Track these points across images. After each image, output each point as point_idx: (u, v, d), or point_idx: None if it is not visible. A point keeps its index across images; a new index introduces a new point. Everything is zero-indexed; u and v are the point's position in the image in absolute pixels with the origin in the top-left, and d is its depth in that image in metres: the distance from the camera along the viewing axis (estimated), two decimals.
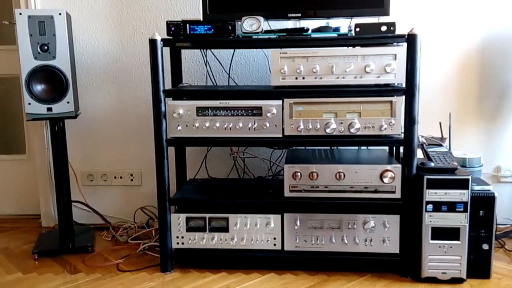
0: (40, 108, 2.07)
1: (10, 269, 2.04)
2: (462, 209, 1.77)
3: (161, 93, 1.86)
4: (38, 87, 2.07)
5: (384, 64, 1.78)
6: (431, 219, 1.79)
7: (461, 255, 1.80)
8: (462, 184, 1.76)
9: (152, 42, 1.83)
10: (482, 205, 1.80)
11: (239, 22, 1.87)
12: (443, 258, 1.81)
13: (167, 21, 1.89)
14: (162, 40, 1.85)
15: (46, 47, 2.04)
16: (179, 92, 1.99)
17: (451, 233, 1.79)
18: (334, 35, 1.86)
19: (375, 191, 1.85)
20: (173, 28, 1.88)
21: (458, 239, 1.79)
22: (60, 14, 2.04)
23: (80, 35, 2.43)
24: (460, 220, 1.77)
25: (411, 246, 1.85)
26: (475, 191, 1.80)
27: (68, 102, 2.09)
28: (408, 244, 1.86)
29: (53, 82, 2.08)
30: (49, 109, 2.08)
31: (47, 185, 2.55)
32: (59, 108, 2.09)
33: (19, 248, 2.27)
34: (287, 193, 1.89)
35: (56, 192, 2.25)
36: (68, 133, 2.28)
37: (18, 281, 1.92)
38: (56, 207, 2.31)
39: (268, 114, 1.84)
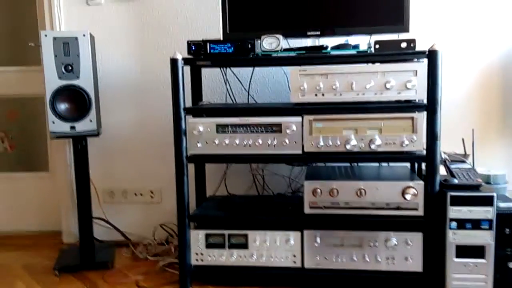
0: (64, 127, 2.11)
1: (32, 285, 2.06)
2: (487, 227, 1.73)
3: (182, 111, 1.89)
4: (62, 106, 2.12)
5: (404, 81, 1.77)
6: (455, 237, 1.75)
7: (487, 274, 1.75)
8: (487, 201, 1.72)
9: (173, 61, 1.86)
10: (508, 223, 1.76)
11: (259, 41, 1.89)
12: (468, 277, 1.76)
13: (187, 41, 1.92)
14: (183, 59, 1.88)
15: (70, 67, 2.10)
16: (199, 109, 2.01)
17: (476, 251, 1.74)
18: (354, 52, 1.87)
19: (397, 208, 1.82)
20: (193, 47, 1.91)
21: (483, 257, 1.74)
22: (84, 35, 2.10)
23: (103, 55, 2.48)
24: (485, 237, 1.73)
25: (435, 265, 1.81)
26: (501, 208, 1.75)
27: (91, 121, 2.13)
28: (432, 262, 1.82)
29: (77, 101, 2.13)
30: (72, 128, 2.12)
31: (69, 202, 2.59)
32: (82, 126, 2.13)
33: (40, 264, 2.29)
34: (307, 210, 1.87)
35: (78, 209, 2.28)
36: (90, 150, 2.32)
37: None
38: (77, 223, 2.34)
39: (288, 131, 1.85)
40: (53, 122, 2.10)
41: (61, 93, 2.10)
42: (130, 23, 2.47)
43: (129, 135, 2.53)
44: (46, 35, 2.09)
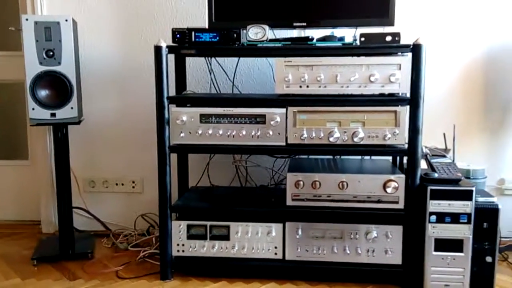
0: (44, 114, 2.07)
1: (9, 274, 2.02)
2: (465, 221, 1.75)
3: (165, 100, 1.87)
4: (43, 93, 2.07)
5: (388, 74, 1.78)
6: (434, 230, 1.77)
7: (465, 267, 1.78)
8: (466, 195, 1.74)
9: (157, 49, 1.84)
10: (486, 217, 1.79)
11: (244, 31, 1.87)
12: (446, 270, 1.79)
13: (172, 29, 1.90)
14: (167, 47, 1.86)
15: (51, 53, 2.05)
16: (183, 99, 1.99)
17: (454, 245, 1.77)
18: (339, 44, 1.87)
19: (378, 201, 1.83)
20: (178, 36, 1.89)
21: (461, 251, 1.77)
22: (66, 20, 2.06)
23: (85, 42, 2.44)
24: (463, 231, 1.76)
25: (414, 258, 1.83)
26: (479, 202, 1.78)
27: (72, 108, 2.09)
28: (411, 255, 1.84)
29: (58, 88, 2.08)
30: (53, 115, 2.08)
31: (49, 191, 2.55)
32: (62, 113, 2.09)
33: (18, 254, 2.25)
34: (289, 202, 1.87)
35: (57, 198, 2.24)
36: (71, 139, 2.28)
37: (17, 287, 1.91)
38: (56, 213, 2.30)
39: (272, 122, 1.84)
40: (33, 109, 2.06)
41: (41, 79, 2.05)
42: (115, 9, 2.42)
43: (111, 123, 2.50)
44: (27, 19, 2.04)
